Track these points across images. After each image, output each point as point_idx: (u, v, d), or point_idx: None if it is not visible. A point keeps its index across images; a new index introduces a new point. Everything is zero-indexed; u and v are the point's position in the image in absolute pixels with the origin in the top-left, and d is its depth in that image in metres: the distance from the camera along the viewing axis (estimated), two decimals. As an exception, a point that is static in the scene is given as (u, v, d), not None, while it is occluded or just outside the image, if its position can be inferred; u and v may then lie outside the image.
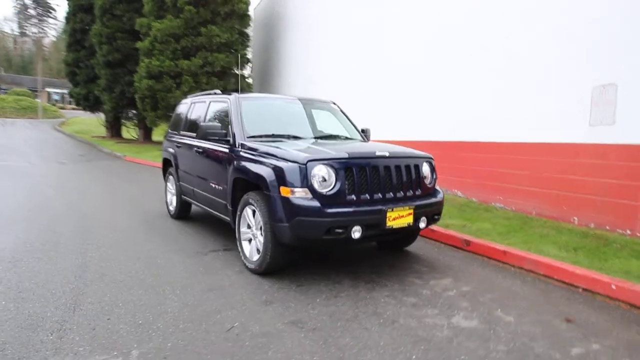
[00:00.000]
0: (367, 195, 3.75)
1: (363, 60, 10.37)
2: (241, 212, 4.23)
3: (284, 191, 3.60)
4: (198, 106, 5.87)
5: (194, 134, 5.59)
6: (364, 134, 5.45)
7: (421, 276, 4.11)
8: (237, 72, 17.67)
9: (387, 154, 3.96)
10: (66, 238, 5.12)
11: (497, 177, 6.83)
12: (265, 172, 3.78)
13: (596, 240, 4.95)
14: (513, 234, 5.40)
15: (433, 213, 4.17)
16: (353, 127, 5.41)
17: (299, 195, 3.56)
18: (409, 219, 3.87)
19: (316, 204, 3.52)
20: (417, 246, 5.07)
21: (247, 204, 4.10)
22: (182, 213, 6.29)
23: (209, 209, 5.18)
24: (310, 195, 3.57)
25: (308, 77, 13.91)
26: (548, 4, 6.08)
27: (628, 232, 5.06)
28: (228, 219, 4.61)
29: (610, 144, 5.24)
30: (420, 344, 2.80)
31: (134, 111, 21.17)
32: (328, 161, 3.67)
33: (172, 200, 6.45)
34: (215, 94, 5.65)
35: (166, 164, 6.72)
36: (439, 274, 4.17)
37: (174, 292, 3.57)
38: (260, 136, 4.55)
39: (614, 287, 3.60)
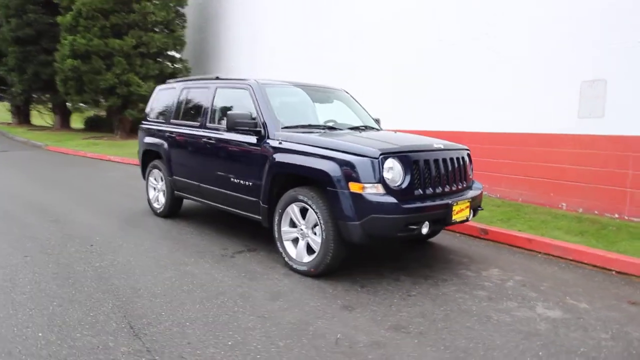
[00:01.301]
0: (431, 189, 3.64)
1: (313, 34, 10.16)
2: (283, 210, 3.88)
3: (355, 187, 3.34)
4: (196, 92, 5.26)
5: (196, 123, 5.01)
6: (378, 124, 5.32)
7: (468, 267, 4.12)
8: (174, 54, 16.41)
9: (442, 146, 3.88)
10: (59, 248, 4.32)
11: (481, 165, 7.13)
12: (329, 166, 3.47)
13: (592, 224, 5.39)
14: (514, 220, 5.66)
15: (478, 204, 4.19)
16: (370, 117, 5.24)
17: (372, 191, 3.33)
18: (467, 212, 3.85)
19: (392, 200, 3.32)
20: (437, 237, 5.09)
21: (294, 200, 3.76)
22: (173, 210, 5.65)
23: (223, 207, 4.69)
24: (383, 191, 3.36)
25: (255, 56, 13.33)
26: (547, 8, 6.42)
27: (616, 215, 5.59)
28: (258, 217, 4.21)
29: (598, 134, 5.71)
30: (532, 339, 2.79)
31: (48, 95, 18.68)
32: (398, 154, 3.48)
33: (159, 197, 5.76)
34: (217, 78, 5.11)
35: (148, 156, 5.97)
36: (482, 264, 4.22)
37: (236, 304, 3.16)
38: (295, 127, 4.20)
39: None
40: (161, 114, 5.84)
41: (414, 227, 3.42)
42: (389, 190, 3.37)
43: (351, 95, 5.47)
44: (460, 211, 3.75)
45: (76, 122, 20.75)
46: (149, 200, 5.96)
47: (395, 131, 4.69)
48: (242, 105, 4.68)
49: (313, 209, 3.59)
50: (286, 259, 3.88)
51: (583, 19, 5.92)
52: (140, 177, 6.24)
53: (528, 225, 5.42)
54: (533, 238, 4.73)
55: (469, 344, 2.70)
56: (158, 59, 16.20)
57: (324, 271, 3.63)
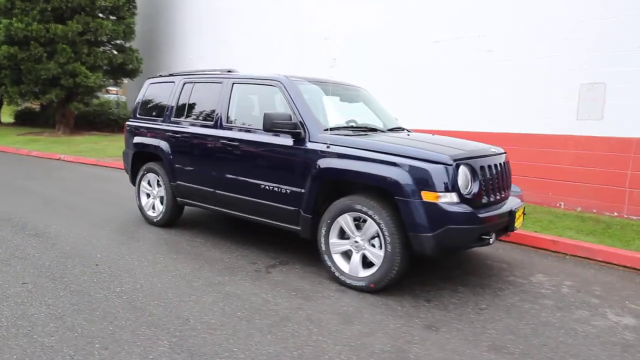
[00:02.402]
0: (493, 196, 3.49)
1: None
2: (333, 220, 3.54)
3: (428, 196, 3.09)
4: (204, 87, 4.71)
5: (209, 122, 4.49)
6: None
7: (512, 273, 4.04)
8: (124, 43, 15.13)
9: (496, 151, 3.74)
10: (61, 270, 3.65)
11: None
12: (397, 174, 3.19)
13: (597, 224, 5.59)
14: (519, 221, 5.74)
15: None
16: (393, 118, 5.00)
17: (447, 200, 3.11)
18: (522, 218, 3.76)
19: (468, 209, 3.12)
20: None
21: (349, 210, 3.43)
22: (173, 219, 5.07)
23: (247, 216, 4.23)
24: (457, 200, 3.14)
25: (219, 45, 12.63)
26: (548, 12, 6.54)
27: (615, 214, 5.85)
28: (295, 227, 3.82)
29: (597, 136, 5.94)
30: (630, 350, 2.72)
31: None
32: (468, 160, 3.28)
33: (155, 204, 5.14)
34: (230, 71, 4.61)
35: (138, 159, 5.31)
36: (524, 270, 4.16)
37: (310, 331, 2.79)
38: (338, 128, 3.86)
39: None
40: (156, 110, 5.20)
41: (487, 237, 3.25)
42: (462, 198, 3.17)
43: (372, 95, 5.21)
44: (519, 217, 3.64)
45: (4, 116, 18.54)
46: (140, 208, 5.31)
47: (433, 133, 4.49)
48: (269, 103, 4.29)
49: (375, 220, 3.29)
50: (336, 273, 3.55)
51: (582, 22, 6.11)
52: (110, 180, 5.59)
53: (538, 225, 5.50)
54: (557, 240, 4.78)
55: (579, 362, 2.58)
56: (106, 48, 14.86)
57: (385, 286, 3.36)
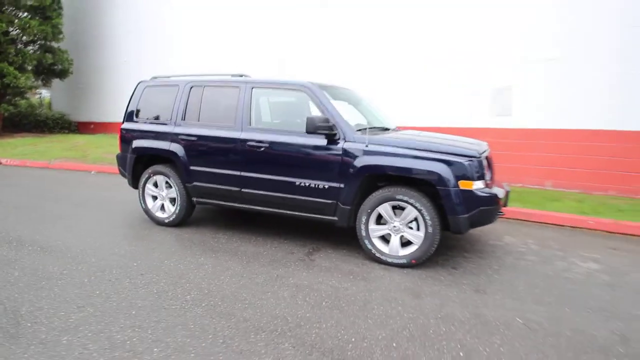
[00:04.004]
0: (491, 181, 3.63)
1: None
2: (372, 209, 3.38)
3: (465, 184, 3.11)
4: (219, 92, 4.09)
5: (230, 125, 3.92)
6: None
7: (489, 238, 4.28)
8: (53, 43, 12.57)
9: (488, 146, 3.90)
10: (115, 285, 2.89)
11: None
12: (439, 167, 3.13)
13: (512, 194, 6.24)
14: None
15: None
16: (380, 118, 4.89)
17: (480, 187, 3.17)
18: (506, 196, 3.99)
19: (491, 192, 3.22)
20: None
21: (390, 199, 3.30)
22: (186, 218, 4.39)
23: (277, 210, 3.80)
24: (483, 186, 3.21)
25: (167, 47, 11.23)
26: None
27: (520, 184, 6.59)
28: (332, 218, 3.57)
29: (509, 128, 6.60)
30: (617, 288, 3.06)
31: None
32: (484, 154, 3.37)
33: (166, 205, 4.39)
34: (242, 75, 4.07)
35: (139, 162, 4.48)
36: (493, 234, 4.44)
37: (397, 310, 2.63)
38: (363, 129, 3.64)
39: None
40: (159, 113, 4.40)
41: (500, 213, 3.40)
42: (486, 184, 3.25)
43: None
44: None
45: None
46: (146, 211, 4.49)
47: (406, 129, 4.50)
48: (295, 107, 3.91)
49: (415, 207, 3.22)
50: (377, 254, 3.42)
51: (495, 36, 6.66)
52: (78, 183, 4.70)
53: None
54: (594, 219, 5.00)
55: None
56: (35, 48, 12.20)
57: (423, 261, 3.33)
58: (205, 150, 4.06)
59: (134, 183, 4.59)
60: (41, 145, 10.61)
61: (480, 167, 3.17)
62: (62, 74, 13.02)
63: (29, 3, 11.23)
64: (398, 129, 4.36)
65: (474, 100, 6.92)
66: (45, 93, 18.06)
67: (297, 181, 3.63)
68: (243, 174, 3.87)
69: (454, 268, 3.39)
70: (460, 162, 3.14)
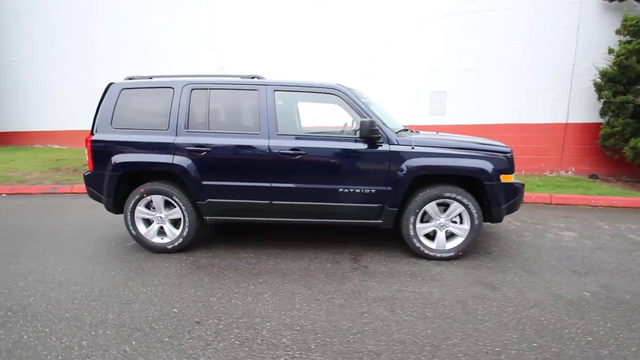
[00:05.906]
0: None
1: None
2: (420, 208, 3.14)
3: (506, 178, 3.10)
4: (232, 95, 3.25)
5: (255, 132, 3.17)
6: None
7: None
8: None
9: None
10: (148, 325, 1.99)
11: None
12: (483, 164, 3.04)
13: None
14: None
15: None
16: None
17: (515, 180, 3.20)
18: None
19: (522, 184, 3.27)
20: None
21: (437, 198, 3.10)
22: (193, 241, 3.46)
23: (314, 220, 3.23)
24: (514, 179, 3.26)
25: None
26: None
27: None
28: (376, 221, 3.20)
29: (444, 124, 7.05)
30: (605, 252, 3.43)
31: None
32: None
33: (167, 228, 3.37)
34: (254, 77, 3.34)
35: (124, 180, 3.34)
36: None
37: (485, 308, 2.44)
38: (398, 130, 3.34)
39: None
40: (147, 121, 3.32)
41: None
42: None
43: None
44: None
45: None
46: (138, 238, 3.39)
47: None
48: (326, 111, 3.35)
49: (462, 203, 3.09)
50: (426, 251, 3.20)
51: (426, 49, 7.00)
52: (43, 208, 3.48)
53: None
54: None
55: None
56: None
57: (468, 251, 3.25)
58: (222, 162, 3.21)
59: (119, 207, 3.42)
60: None
61: (513, 162, 3.20)
62: None
63: None
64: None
65: (415, 103, 7.22)
66: None
67: (340, 188, 3.15)
68: (274, 185, 3.19)
69: (488, 253, 3.40)
70: (501, 158, 3.11)
